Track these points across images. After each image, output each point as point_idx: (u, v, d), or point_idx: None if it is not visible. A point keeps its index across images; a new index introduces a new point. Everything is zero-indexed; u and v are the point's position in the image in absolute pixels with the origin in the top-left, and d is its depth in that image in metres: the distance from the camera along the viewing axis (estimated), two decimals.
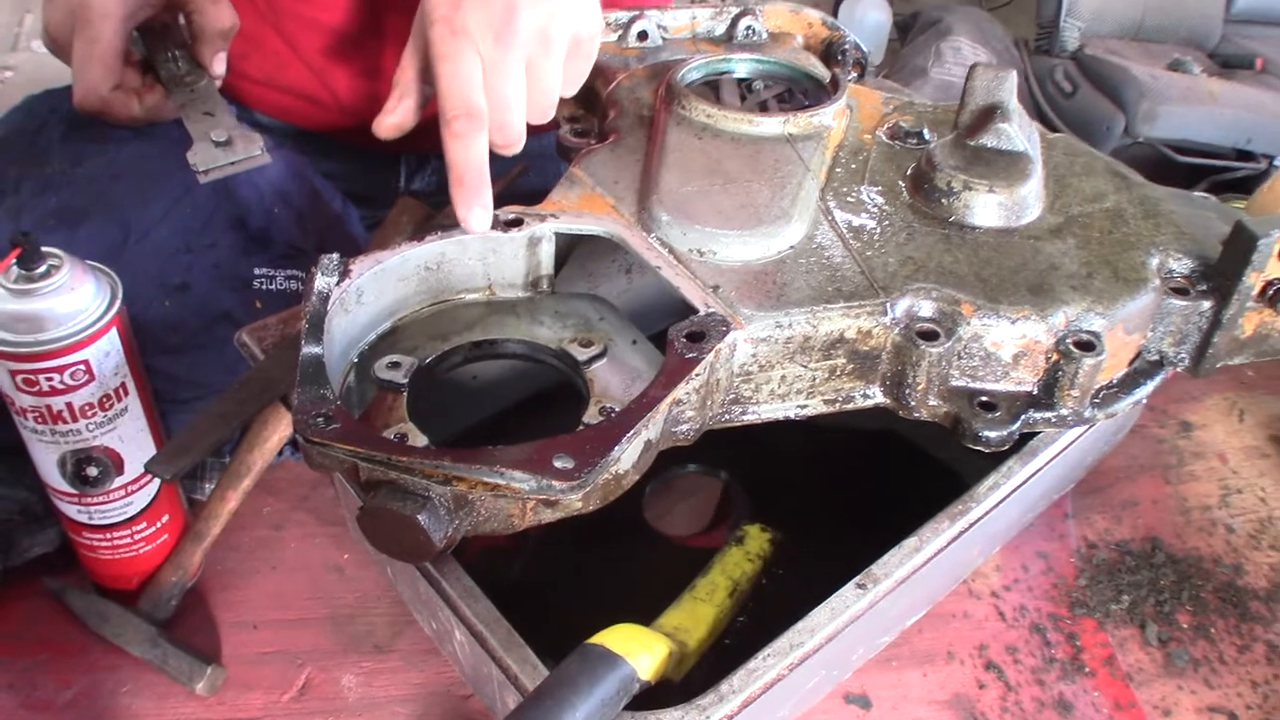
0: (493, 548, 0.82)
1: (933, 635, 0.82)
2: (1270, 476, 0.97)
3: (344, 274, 0.64)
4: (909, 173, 0.75)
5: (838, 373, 0.66)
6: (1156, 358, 0.72)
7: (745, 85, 0.85)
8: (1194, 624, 0.84)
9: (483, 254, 0.70)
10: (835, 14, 3.01)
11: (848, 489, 0.89)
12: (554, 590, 0.81)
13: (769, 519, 0.80)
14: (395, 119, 0.72)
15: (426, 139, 0.85)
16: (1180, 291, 0.70)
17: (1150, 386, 0.71)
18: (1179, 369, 0.73)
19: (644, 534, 0.87)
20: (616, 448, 0.55)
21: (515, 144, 0.70)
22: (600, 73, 0.85)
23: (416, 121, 0.73)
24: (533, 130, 0.72)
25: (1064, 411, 0.67)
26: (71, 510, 0.74)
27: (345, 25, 0.95)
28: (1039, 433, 0.72)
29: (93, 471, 0.71)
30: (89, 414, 0.69)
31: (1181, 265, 0.71)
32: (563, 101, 0.85)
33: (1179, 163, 2.55)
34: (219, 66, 0.86)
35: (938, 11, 2.85)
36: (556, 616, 0.63)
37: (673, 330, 0.61)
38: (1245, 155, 2.37)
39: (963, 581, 0.85)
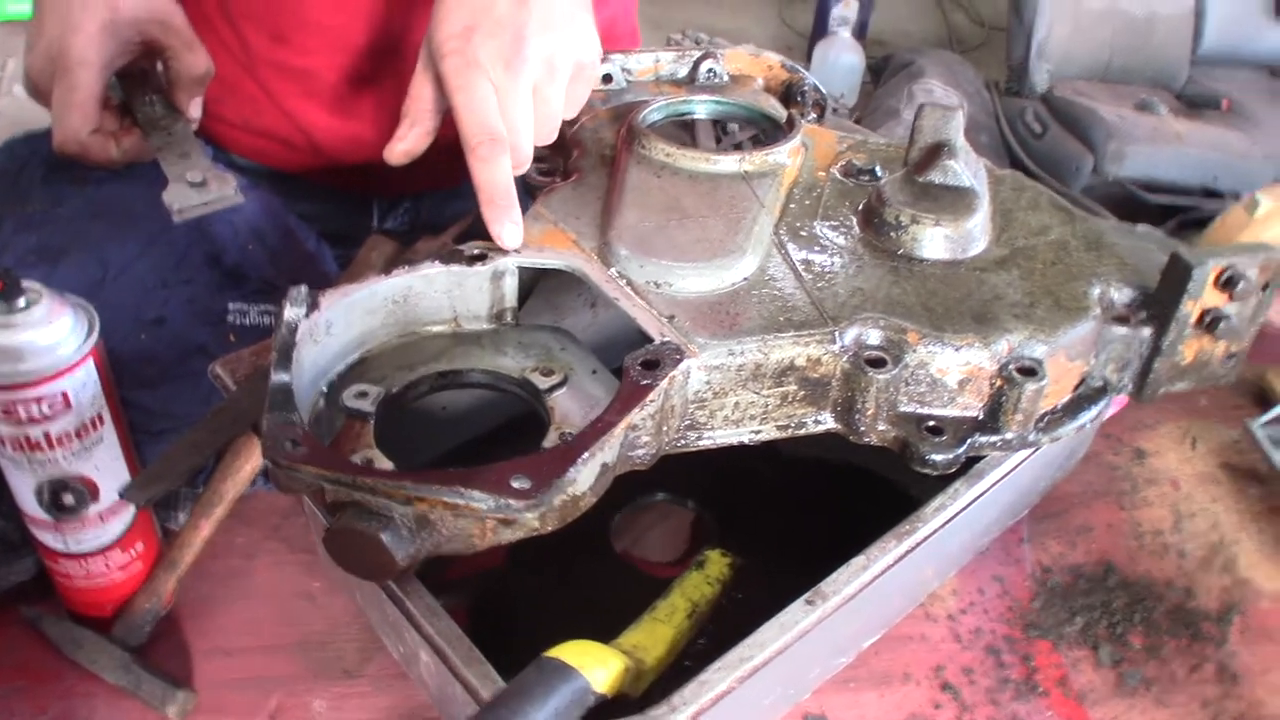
0: (463, 575, 0.84)
1: (890, 657, 0.84)
2: (1222, 502, 1.00)
3: (313, 306, 0.66)
4: (860, 208, 0.78)
5: (789, 399, 0.68)
6: (1100, 384, 0.75)
7: (721, 128, 0.88)
8: (1146, 645, 0.87)
9: (448, 288, 0.72)
10: (809, 57, 3.06)
11: (813, 518, 0.91)
12: (520, 617, 0.83)
13: (734, 546, 0.82)
14: (406, 145, 0.77)
15: (398, 181, 0.89)
16: (1121, 320, 0.73)
17: (1094, 411, 0.74)
18: (1122, 395, 0.76)
19: (612, 562, 0.89)
20: (572, 469, 0.57)
21: (524, 165, 0.75)
22: None
23: (425, 148, 0.78)
24: None
25: (1009, 435, 0.70)
26: (48, 538, 0.76)
27: (320, 71, 0.98)
28: (985, 456, 0.74)
29: (69, 499, 0.73)
30: (66, 443, 0.71)
31: (1122, 295, 0.74)
32: None
33: (1147, 201, 2.60)
34: (195, 110, 0.90)
35: (910, 54, 2.91)
36: (522, 641, 0.65)
37: (628, 358, 0.63)
38: (1212, 193, 2.42)
39: (919, 604, 0.88)
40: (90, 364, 0.70)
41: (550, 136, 0.78)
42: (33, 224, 0.87)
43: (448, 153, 0.77)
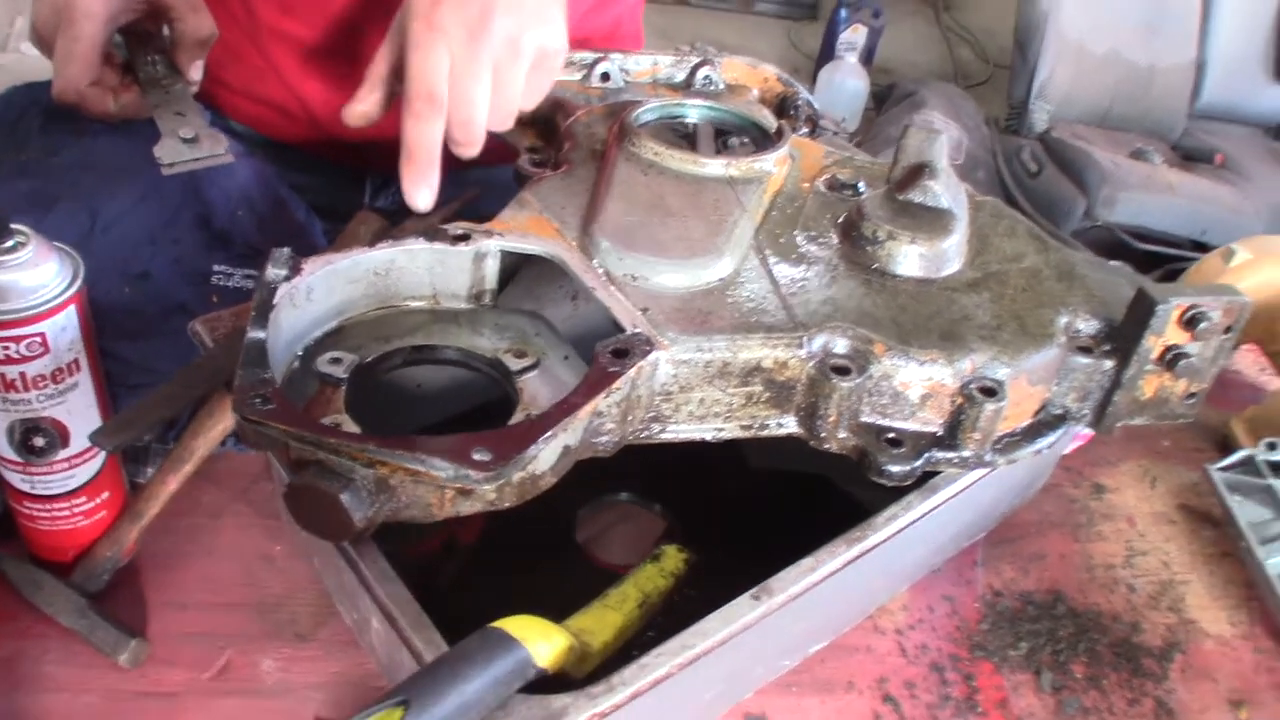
0: (422, 555, 0.85)
1: (835, 665, 0.85)
2: (1175, 542, 1.02)
3: (295, 270, 0.68)
4: (840, 221, 0.79)
5: (754, 400, 0.70)
6: (1060, 412, 0.76)
7: (723, 141, 0.89)
8: (1087, 675, 0.88)
9: (430, 264, 0.73)
10: (814, 79, 3.09)
11: (773, 526, 0.92)
12: (476, 600, 0.84)
13: (693, 546, 0.83)
14: (363, 108, 0.79)
15: (391, 160, 0.90)
16: (1085, 350, 0.75)
17: (1052, 438, 0.75)
18: (1081, 425, 0.78)
19: (572, 555, 0.90)
20: (533, 446, 0.58)
21: (475, 144, 0.76)
22: (561, 107, 0.90)
23: (382, 115, 0.79)
24: (489, 158, 0.77)
25: (966, 453, 0.71)
26: (16, 479, 0.77)
27: (321, 42, 1.00)
28: (941, 472, 0.76)
29: (39, 441, 0.74)
30: (41, 385, 0.72)
31: (1088, 326, 0.76)
32: (524, 132, 0.90)
33: (1136, 249, 2.62)
34: (195, 73, 0.92)
35: (914, 84, 2.94)
36: (472, 619, 0.66)
37: (599, 345, 0.65)
38: (1201, 246, 2.44)
39: (868, 617, 0.89)
40: (71, 310, 0.71)
41: (506, 121, 0.79)
42: (27, 171, 0.89)
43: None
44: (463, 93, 0.74)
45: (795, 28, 3.48)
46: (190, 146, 0.81)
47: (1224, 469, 1.03)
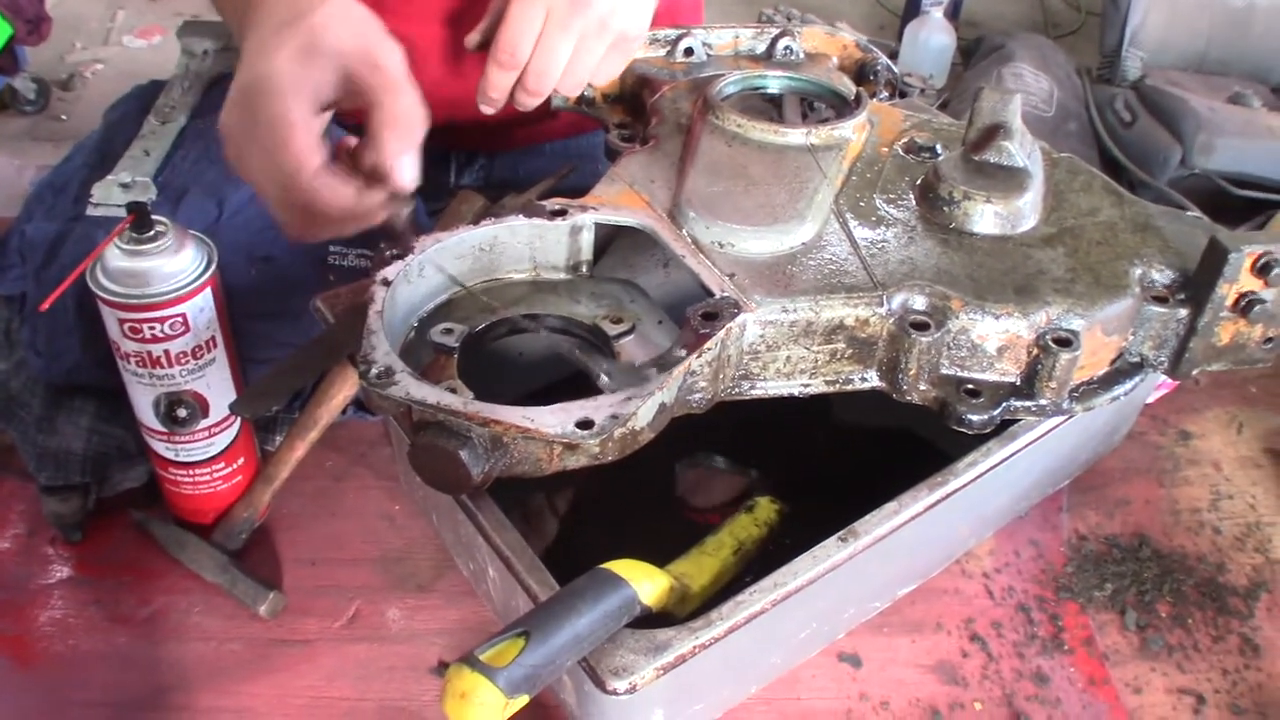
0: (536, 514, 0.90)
1: (924, 607, 0.90)
2: (1262, 485, 1.03)
3: (407, 249, 0.73)
4: (918, 183, 0.83)
5: (838, 356, 0.74)
6: (1137, 359, 0.79)
7: (808, 105, 0.93)
8: (1172, 614, 0.91)
9: (530, 239, 0.79)
10: (900, 36, 3.07)
11: (863, 479, 0.96)
12: (583, 551, 0.90)
13: (786, 499, 0.87)
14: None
15: (477, 139, 0.96)
16: (1160, 299, 0.77)
17: (1129, 385, 0.78)
18: (1159, 370, 0.80)
19: (673, 511, 0.95)
20: (633, 404, 0.63)
21: (540, 97, 0.87)
22: (647, 84, 0.94)
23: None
24: (581, 127, 0.82)
25: (1043, 401, 0.74)
26: (161, 447, 0.85)
27: (419, 38, 1.04)
28: (1020, 420, 0.79)
29: (182, 413, 0.81)
30: (183, 361, 0.79)
31: (1163, 276, 0.78)
32: (612, 109, 0.95)
33: (1235, 195, 2.58)
34: (405, 172, 0.72)
35: (1001, 37, 2.90)
36: (583, 567, 0.71)
37: (690, 309, 0.70)
38: None
39: (955, 561, 0.93)
40: (208, 291, 0.78)
41: (576, 88, 0.89)
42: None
43: (520, 115, 0.88)
44: (546, 50, 0.83)
45: None
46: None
47: None
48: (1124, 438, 1.04)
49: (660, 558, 0.72)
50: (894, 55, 2.88)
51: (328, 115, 0.72)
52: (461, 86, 1.06)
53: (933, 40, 2.97)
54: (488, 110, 0.89)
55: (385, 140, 0.70)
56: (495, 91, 0.87)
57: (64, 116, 1.82)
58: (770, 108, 0.93)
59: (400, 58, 0.71)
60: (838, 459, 0.98)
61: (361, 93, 0.70)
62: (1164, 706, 0.84)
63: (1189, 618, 0.91)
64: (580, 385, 0.94)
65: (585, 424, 0.62)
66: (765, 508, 0.85)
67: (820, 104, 0.93)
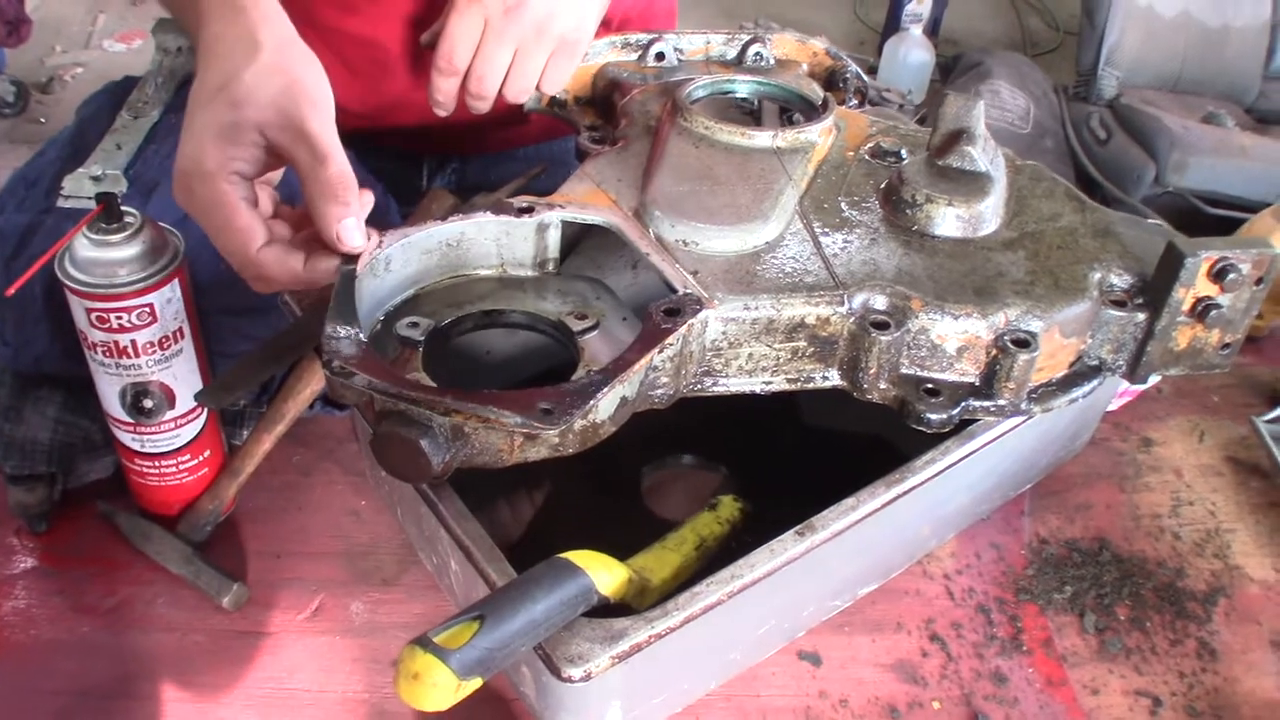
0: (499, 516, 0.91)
1: (884, 607, 0.90)
2: (1222, 493, 1.04)
3: (376, 244, 0.74)
4: (882, 187, 0.84)
5: (799, 354, 0.75)
6: (1096, 363, 0.80)
7: (787, 116, 0.94)
8: (1131, 617, 0.92)
9: (497, 235, 0.79)
10: (879, 52, 3.09)
11: (828, 479, 0.97)
12: (545, 546, 0.90)
13: (750, 499, 0.88)
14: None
15: (448, 143, 0.97)
16: (1118, 303, 0.78)
17: (1087, 388, 0.79)
18: (1117, 374, 0.82)
19: (637, 508, 0.96)
20: (593, 399, 0.64)
21: (485, 99, 0.91)
22: (617, 87, 0.95)
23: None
24: (554, 132, 0.83)
25: (1001, 402, 0.75)
26: (127, 438, 0.85)
27: (387, 41, 1.05)
28: (978, 420, 0.80)
29: (149, 403, 0.82)
30: (149, 351, 0.79)
31: (1122, 280, 0.79)
32: (584, 111, 0.96)
33: (1208, 214, 2.60)
34: (350, 238, 0.70)
35: (980, 54, 2.92)
36: (544, 558, 0.72)
37: (652, 305, 0.70)
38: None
39: (917, 562, 0.94)
40: (175, 283, 0.79)
41: (520, 95, 0.92)
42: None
43: (493, 120, 0.90)
44: (485, 57, 0.88)
45: (860, 0, 3.48)
46: None
47: (1272, 421, 1.06)
48: (1086, 444, 1.05)
49: (623, 550, 0.72)
50: (873, 71, 2.90)
51: (276, 174, 0.74)
52: None
53: (911, 56, 3.00)
54: (440, 113, 0.92)
55: (322, 212, 0.69)
56: (441, 95, 0.91)
57: (43, 119, 1.83)
58: (748, 119, 0.94)
59: (328, 115, 0.70)
60: (806, 463, 0.99)
61: (289, 163, 0.70)
62: (1121, 708, 0.85)
63: (1147, 621, 0.92)
64: (543, 385, 0.96)
65: (545, 414, 0.63)
66: (728, 505, 0.86)
67: (800, 118, 0.94)
